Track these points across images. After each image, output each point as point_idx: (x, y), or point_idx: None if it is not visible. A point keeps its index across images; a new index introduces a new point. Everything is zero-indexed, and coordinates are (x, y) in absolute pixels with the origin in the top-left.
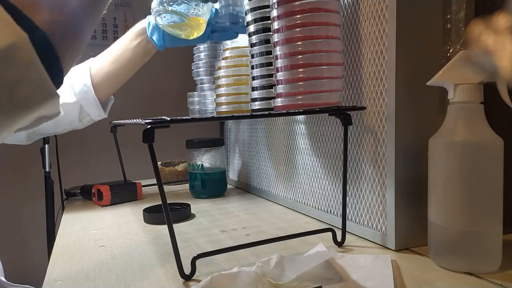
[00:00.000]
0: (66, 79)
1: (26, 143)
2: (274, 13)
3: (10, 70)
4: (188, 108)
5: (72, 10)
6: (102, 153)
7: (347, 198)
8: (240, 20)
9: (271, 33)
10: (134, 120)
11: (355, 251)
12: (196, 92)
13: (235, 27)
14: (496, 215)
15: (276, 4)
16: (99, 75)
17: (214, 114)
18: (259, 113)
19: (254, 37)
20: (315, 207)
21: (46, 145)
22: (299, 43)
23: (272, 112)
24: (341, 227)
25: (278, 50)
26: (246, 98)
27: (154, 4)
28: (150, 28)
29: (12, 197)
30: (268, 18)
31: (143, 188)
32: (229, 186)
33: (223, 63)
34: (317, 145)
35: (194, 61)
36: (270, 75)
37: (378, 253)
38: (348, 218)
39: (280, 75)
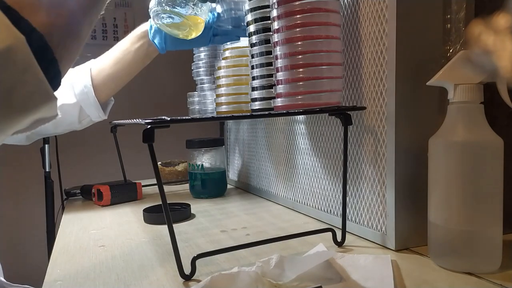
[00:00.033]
0: (67, 80)
1: (25, 143)
2: (274, 13)
3: (6, 73)
4: (188, 108)
5: (70, 11)
6: (102, 153)
7: (347, 198)
8: (242, 24)
9: (271, 33)
10: (134, 120)
11: (355, 251)
12: (196, 92)
13: (237, 30)
14: (496, 215)
15: (276, 4)
16: (99, 76)
17: (214, 114)
18: (259, 113)
19: (254, 37)
20: (315, 207)
21: (46, 145)
22: (299, 43)
23: (272, 112)
24: (341, 227)
25: (278, 50)
26: (246, 98)
27: (152, 4)
28: (152, 31)
29: (12, 197)
30: (268, 18)
31: (143, 188)
32: (229, 186)
33: (223, 63)
34: (317, 145)
35: (194, 61)
36: (270, 75)
37: (378, 253)
38: (348, 218)
39: (280, 75)
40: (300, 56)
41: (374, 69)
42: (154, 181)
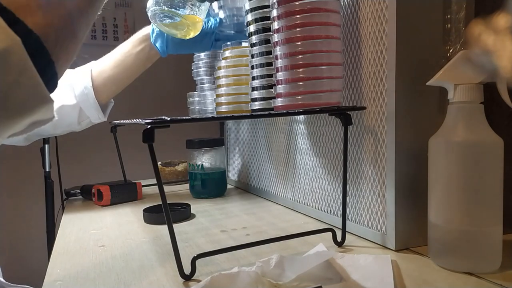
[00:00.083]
0: (67, 81)
1: (24, 144)
2: (274, 13)
3: (2, 76)
4: (188, 108)
5: (66, 11)
6: (102, 153)
7: (347, 198)
8: (244, 29)
9: (271, 33)
10: (134, 120)
11: (355, 251)
12: (196, 92)
13: (239, 35)
14: (496, 215)
15: (276, 4)
16: (100, 78)
17: (214, 114)
18: (259, 113)
19: (254, 37)
20: (315, 207)
21: (46, 145)
22: (299, 43)
23: (272, 112)
24: (341, 227)
25: (278, 50)
26: (246, 98)
27: (150, 4)
28: (154, 35)
29: (12, 197)
30: (268, 18)
31: (143, 188)
32: (229, 186)
33: (223, 63)
34: (317, 145)
35: (194, 61)
36: (270, 75)
37: (378, 253)
38: (348, 218)
39: (280, 75)
40: (300, 56)
41: (374, 69)
42: (154, 181)
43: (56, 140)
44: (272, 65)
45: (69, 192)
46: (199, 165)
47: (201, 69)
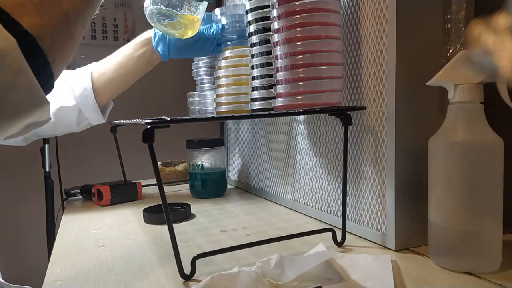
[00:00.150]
0: (67, 82)
1: (22, 144)
2: (274, 13)
3: None
4: (188, 108)
5: (62, 11)
6: (102, 153)
7: (347, 198)
8: (246, 35)
9: (271, 33)
10: (134, 120)
11: (355, 251)
12: (196, 92)
13: (241, 41)
14: (496, 215)
15: (276, 4)
16: (100, 80)
17: (214, 114)
18: (259, 113)
19: (254, 37)
20: (315, 207)
21: (46, 145)
22: (299, 43)
23: (272, 112)
24: (341, 227)
25: (278, 50)
26: (246, 98)
27: (147, 3)
28: (156, 38)
29: (12, 197)
30: (268, 18)
31: (143, 188)
32: (229, 186)
33: (223, 63)
34: (317, 145)
35: (194, 61)
36: (270, 75)
37: (378, 253)
38: (348, 218)
39: (280, 75)
40: (300, 56)
41: (374, 69)
42: (154, 181)
43: (56, 140)
44: (272, 65)
45: (69, 192)
46: (199, 165)
47: (201, 69)
